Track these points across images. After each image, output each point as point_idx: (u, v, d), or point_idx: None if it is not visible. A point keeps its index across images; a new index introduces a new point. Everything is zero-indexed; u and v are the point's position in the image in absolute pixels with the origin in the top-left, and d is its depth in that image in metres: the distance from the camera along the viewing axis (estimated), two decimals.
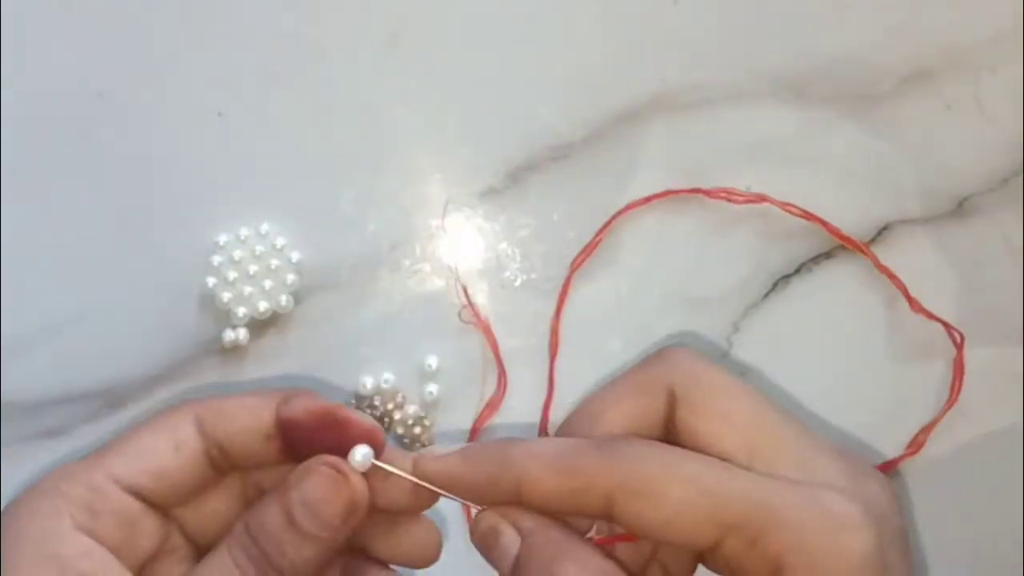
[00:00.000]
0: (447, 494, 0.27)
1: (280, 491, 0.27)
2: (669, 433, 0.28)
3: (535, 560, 0.26)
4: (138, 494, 0.28)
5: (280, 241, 0.37)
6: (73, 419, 0.36)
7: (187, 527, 0.29)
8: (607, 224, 0.38)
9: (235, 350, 0.37)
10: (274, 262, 0.37)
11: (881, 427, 0.38)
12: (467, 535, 0.28)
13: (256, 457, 0.29)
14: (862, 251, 0.38)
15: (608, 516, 0.26)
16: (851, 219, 0.38)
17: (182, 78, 0.38)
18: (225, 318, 0.37)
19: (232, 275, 0.36)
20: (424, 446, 0.36)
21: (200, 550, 0.30)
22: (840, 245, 0.38)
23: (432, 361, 0.37)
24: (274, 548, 0.27)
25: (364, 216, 0.38)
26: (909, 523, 0.37)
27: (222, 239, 0.37)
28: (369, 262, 0.38)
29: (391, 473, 0.28)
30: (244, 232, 0.37)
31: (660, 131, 0.39)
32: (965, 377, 0.37)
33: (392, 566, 0.30)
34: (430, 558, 0.29)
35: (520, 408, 0.37)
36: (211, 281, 0.36)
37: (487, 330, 0.37)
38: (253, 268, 0.36)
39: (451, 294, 0.38)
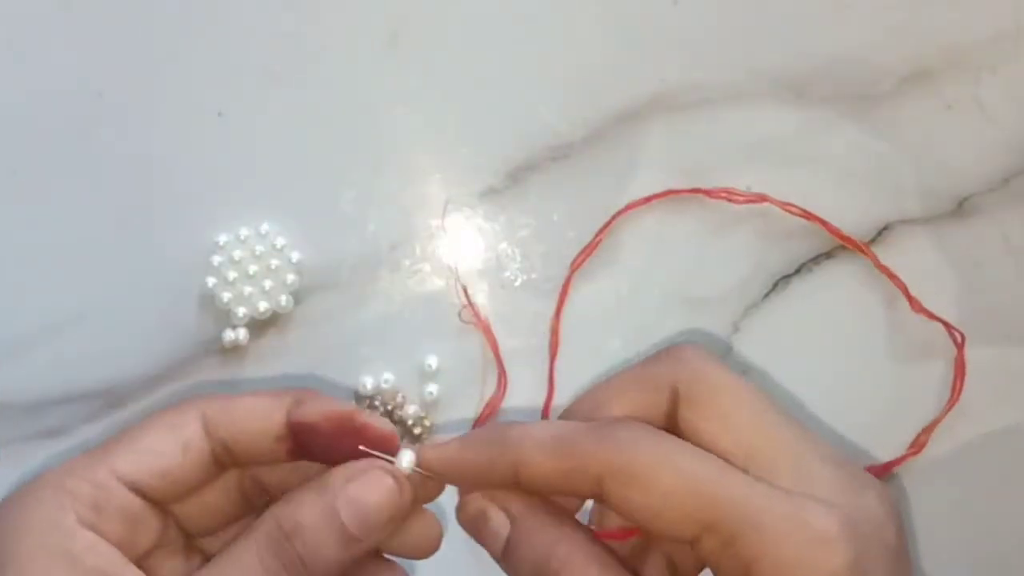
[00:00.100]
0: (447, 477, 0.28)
1: (321, 490, 0.27)
2: (670, 430, 0.28)
3: (526, 543, 0.27)
4: (141, 492, 0.28)
5: (280, 241, 0.37)
6: (73, 419, 0.36)
7: (180, 519, 0.29)
8: (607, 224, 0.38)
9: (235, 350, 0.37)
10: (274, 262, 0.37)
11: (881, 427, 0.38)
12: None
13: (263, 457, 0.28)
14: (862, 251, 0.38)
15: (600, 498, 0.26)
16: (851, 219, 0.38)
17: (182, 78, 0.38)
18: (225, 318, 0.37)
19: (232, 275, 0.36)
20: None
21: (191, 541, 0.30)
22: (840, 245, 0.38)
23: (432, 361, 0.37)
24: (310, 548, 0.26)
25: (364, 216, 0.38)
26: (910, 523, 0.37)
27: (222, 239, 0.37)
28: (369, 262, 0.38)
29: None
30: (244, 232, 0.37)
31: (660, 131, 0.39)
32: (966, 377, 0.37)
33: (392, 558, 0.30)
34: (430, 549, 0.29)
35: (520, 408, 0.37)
36: (211, 281, 0.36)
37: (487, 330, 0.37)
38: (253, 268, 0.36)
39: (451, 294, 0.38)
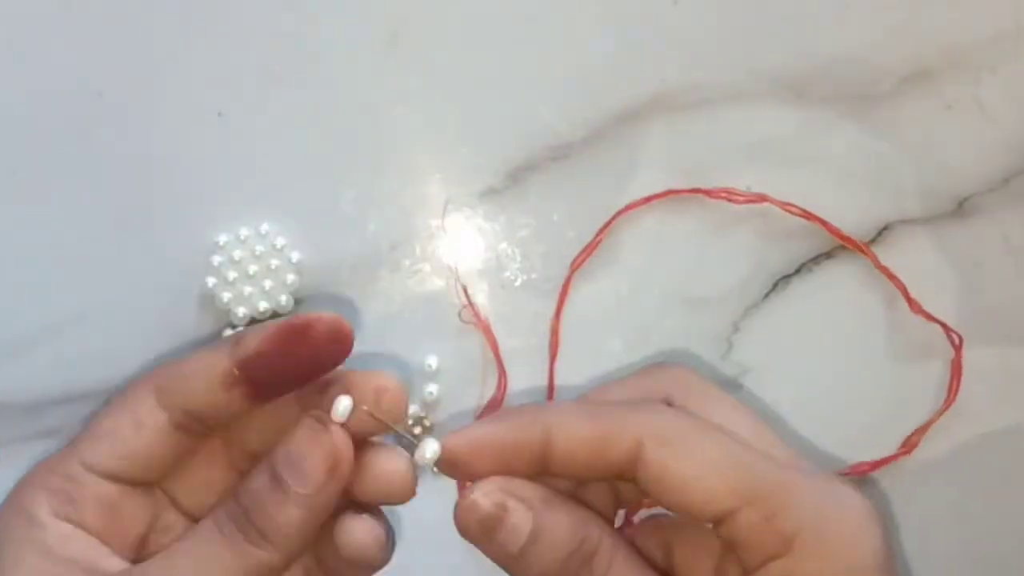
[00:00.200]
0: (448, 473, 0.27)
1: (268, 452, 0.26)
2: None
3: (551, 531, 0.25)
4: (114, 477, 0.27)
5: (280, 241, 0.37)
6: (73, 419, 0.36)
7: (181, 502, 0.29)
8: (607, 224, 0.38)
9: None
10: (274, 262, 0.37)
11: (881, 427, 0.38)
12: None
13: (226, 411, 0.27)
14: (862, 251, 0.38)
15: (630, 473, 0.26)
16: (851, 219, 0.38)
17: (182, 78, 0.38)
18: (225, 318, 0.37)
19: (232, 275, 0.36)
20: None
21: (194, 521, 0.29)
22: (840, 245, 0.38)
23: (432, 361, 0.37)
24: (258, 509, 0.25)
25: (364, 216, 0.38)
26: (905, 524, 0.38)
27: (222, 239, 0.37)
28: (369, 262, 0.38)
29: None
30: (244, 232, 0.37)
31: (660, 131, 0.39)
32: (964, 378, 0.37)
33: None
34: (403, 489, 0.27)
35: None
36: (211, 281, 0.36)
37: (487, 330, 0.37)
38: (253, 268, 0.36)
39: (451, 294, 0.38)
